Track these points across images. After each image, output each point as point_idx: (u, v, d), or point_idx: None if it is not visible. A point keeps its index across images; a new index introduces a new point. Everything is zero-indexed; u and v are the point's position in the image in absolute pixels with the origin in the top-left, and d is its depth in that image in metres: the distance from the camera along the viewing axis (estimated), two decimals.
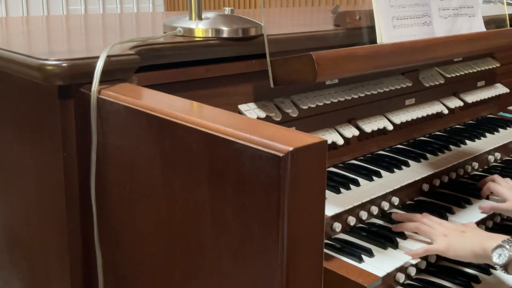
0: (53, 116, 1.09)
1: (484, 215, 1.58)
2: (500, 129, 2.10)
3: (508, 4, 2.15)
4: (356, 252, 1.32)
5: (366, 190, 1.51)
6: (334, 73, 1.38)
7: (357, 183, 1.53)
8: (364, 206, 1.47)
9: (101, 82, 1.04)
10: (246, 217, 0.83)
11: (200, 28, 1.33)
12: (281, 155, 0.76)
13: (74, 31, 1.68)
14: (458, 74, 2.03)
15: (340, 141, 1.62)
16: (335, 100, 1.59)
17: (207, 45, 1.32)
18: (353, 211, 1.44)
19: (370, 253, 1.33)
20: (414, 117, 1.87)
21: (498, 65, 2.22)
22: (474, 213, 1.58)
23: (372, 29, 1.53)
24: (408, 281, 1.36)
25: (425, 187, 1.66)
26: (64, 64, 1.04)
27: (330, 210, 1.38)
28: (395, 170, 1.65)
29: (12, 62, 1.14)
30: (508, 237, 1.28)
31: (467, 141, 1.93)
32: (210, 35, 1.33)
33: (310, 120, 1.58)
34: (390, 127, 1.78)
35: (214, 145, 0.85)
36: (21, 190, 1.28)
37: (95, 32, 1.65)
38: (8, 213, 1.36)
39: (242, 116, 1.21)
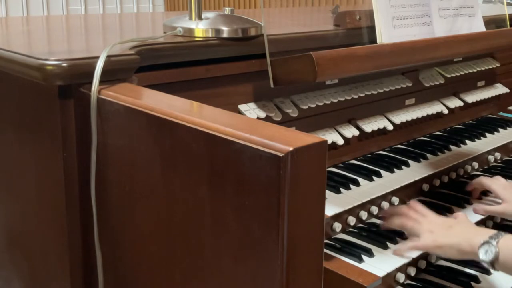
0: (53, 116, 1.09)
1: (483, 216, 1.58)
2: (500, 129, 2.10)
3: (508, 4, 2.15)
4: (356, 252, 1.32)
5: (366, 190, 1.51)
6: (334, 73, 1.38)
7: (357, 183, 1.53)
8: (364, 206, 1.47)
9: (101, 82, 1.04)
10: (246, 217, 0.83)
11: (200, 28, 1.33)
12: (281, 155, 0.76)
13: (74, 31, 1.68)
14: (458, 74, 2.03)
15: (340, 141, 1.62)
16: (335, 100, 1.59)
17: (207, 45, 1.32)
18: (353, 211, 1.44)
19: (370, 253, 1.33)
20: (414, 117, 1.87)
21: (498, 65, 2.22)
22: (473, 213, 1.58)
23: (372, 29, 1.53)
24: (408, 281, 1.36)
25: (425, 187, 1.66)
26: (64, 64, 1.04)
27: (330, 210, 1.38)
28: (395, 170, 1.65)
29: (12, 62, 1.14)
30: (495, 232, 1.26)
31: (467, 141, 1.93)
32: (210, 35, 1.33)
33: (310, 120, 1.58)
34: (390, 127, 1.78)
35: (214, 145, 0.85)
36: (21, 190, 1.28)
37: (95, 32, 1.65)
38: (8, 213, 1.36)
39: (242, 116, 1.21)
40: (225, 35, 1.33)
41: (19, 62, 1.11)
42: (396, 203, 1.55)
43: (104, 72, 1.04)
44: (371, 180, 1.57)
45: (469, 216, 1.56)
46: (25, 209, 1.28)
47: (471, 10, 1.78)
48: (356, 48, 1.40)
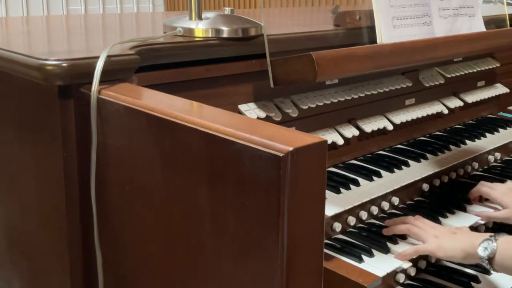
0: (53, 116, 1.09)
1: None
2: (500, 129, 2.09)
3: (508, 4, 2.15)
4: (356, 252, 1.32)
5: (366, 190, 1.51)
6: (334, 73, 1.38)
7: (357, 183, 1.53)
8: (364, 206, 1.47)
9: (101, 82, 1.04)
10: (246, 217, 0.83)
11: (200, 28, 1.33)
12: (281, 155, 0.76)
13: (74, 31, 1.68)
14: (458, 74, 2.03)
15: (340, 141, 1.62)
16: (335, 100, 1.59)
17: (207, 45, 1.32)
18: (353, 211, 1.44)
19: (370, 253, 1.33)
20: (414, 117, 1.87)
21: (498, 65, 2.22)
22: (473, 214, 1.58)
23: (372, 29, 1.53)
24: (408, 281, 1.36)
25: (425, 187, 1.66)
26: (64, 64, 1.04)
27: (330, 210, 1.38)
28: (395, 170, 1.65)
29: (12, 62, 1.14)
30: (497, 233, 1.28)
31: (467, 141, 1.93)
32: (210, 35, 1.33)
33: (310, 120, 1.58)
34: (390, 127, 1.78)
35: (214, 145, 0.85)
36: (21, 190, 1.28)
37: (95, 32, 1.65)
38: (8, 213, 1.36)
39: (242, 116, 1.21)
40: (225, 35, 1.33)
41: (19, 62, 1.11)
42: (396, 203, 1.55)
43: (104, 72, 1.04)
44: (371, 180, 1.57)
45: (469, 216, 1.56)
46: (25, 209, 1.28)
47: (471, 10, 1.78)
48: (356, 48, 1.40)
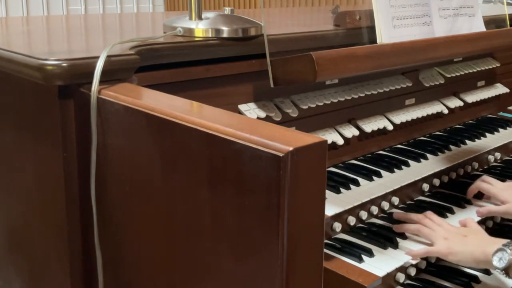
0: (53, 116, 1.09)
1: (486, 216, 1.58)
2: (500, 129, 2.09)
3: (508, 4, 2.15)
4: (356, 252, 1.32)
5: (366, 190, 1.51)
6: (334, 73, 1.38)
7: (357, 183, 1.53)
8: (364, 206, 1.47)
9: (101, 82, 1.04)
10: (246, 217, 0.83)
11: (200, 28, 1.33)
12: (281, 155, 0.76)
13: (74, 31, 1.68)
14: (458, 74, 2.03)
15: (340, 141, 1.62)
16: (335, 100, 1.59)
17: (207, 45, 1.32)
18: (353, 211, 1.44)
19: (370, 253, 1.33)
20: (414, 117, 1.87)
21: (498, 65, 2.22)
22: (474, 213, 1.58)
23: (372, 29, 1.53)
24: (408, 281, 1.36)
25: (425, 187, 1.66)
26: (64, 64, 1.04)
27: (330, 210, 1.38)
28: (395, 170, 1.65)
29: (12, 62, 1.14)
30: (509, 240, 1.27)
31: (467, 141, 1.93)
32: (210, 35, 1.33)
33: (310, 120, 1.58)
34: (390, 127, 1.78)
35: (214, 145, 0.85)
36: (21, 190, 1.28)
37: (95, 32, 1.65)
38: (8, 213, 1.36)
39: (242, 116, 1.21)
40: (225, 35, 1.33)
41: (19, 62, 1.11)
42: (396, 203, 1.55)
43: (104, 72, 1.04)
44: (371, 180, 1.57)
45: (469, 216, 1.56)
46: (25, 209, 1.28)
47: (471, 10, 1.78)
48: (356, 48, 1.40)
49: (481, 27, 1.81)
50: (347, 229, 1.43)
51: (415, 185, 1.63)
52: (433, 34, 1.65)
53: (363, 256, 1.31)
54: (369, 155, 1.77)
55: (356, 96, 1.65)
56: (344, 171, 1.62)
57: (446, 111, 2.00)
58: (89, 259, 1.13)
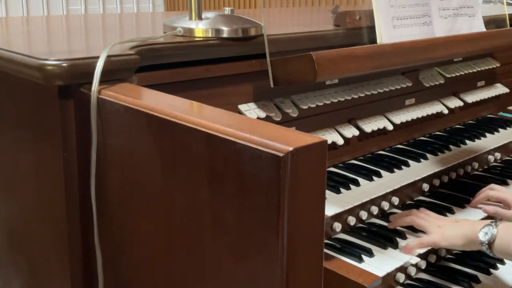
0: (53, 116, 1.09)
1: (483, 215, 1.58)
2: (500, 129, 2.09)
3: (508, 4, 2.15)
4: (356, 252, 1.32)
5: (366, 190, 1.51)
6: (334, 73, 1.38)
7: (357, 183, 1.53)
8: (364, 206, 1.47)
9: (101, 82, 1.04)
10: (246, 217, 0.83)
11: (200, 28, 1.33)
12: (281, 155, 0.76)
13: (74, 31, 1.68)
14: (458, 74, 2.03)
15: (340, 141, 1.62)
16: (335, 100, 1.59)
17: (207, 45, 1.32)
18: (353, 211, 1.44)
19: (370, 253, 1.33)
20: (414, 117, 1.87)
21: (498, 65, 2.22)
22: (474, 213, 1.58)
23: (372, 29, 1.53)
24: (408, 281, 1.36)
25: (425, 187, 1.66)
26: (64, 64, 1.04)
27: (330, 210, 1.38)
28: (395, 170, 1.65)
29: (12, 62, 1.14)
30: (498, 220, 1.30)
31: (467, 141, 1.93)
32: (210, 35, 1.33)
33: (310, 120, 1.58)
34: (390, 127, 1.78)
35: (214, 145, 0.85)
36: (21, 190, 1.28)
37: (95, 32, 1.65)
38: (8, 213, 1.36)
39: (242, 116, 1.21)
40: (225, 35, 1.34)
41: (19, 62, 1.11)
42: (396, 203, 1.55)
43: (104, 72, 1.04)
44: (371, 180, 1.57)
45: (469, 216, 1.56)
46: (25, 209, 1.28)
47: (471, 10, 1.78)
48: (356, 48, 1.40)
49: (481, 27, 1.81)
50: (347, 229, 1.44)
51: (415, 185, 1.63)
52: (433, 34, 1.65)
53: (363, 256, 1.31)
54: (369, 155, 1.77)
55: (356, 96, 1.65)
56: (344, 171, 1.62)
57: (446, 111, 2.00)
58: (89, 259, 1.13)
